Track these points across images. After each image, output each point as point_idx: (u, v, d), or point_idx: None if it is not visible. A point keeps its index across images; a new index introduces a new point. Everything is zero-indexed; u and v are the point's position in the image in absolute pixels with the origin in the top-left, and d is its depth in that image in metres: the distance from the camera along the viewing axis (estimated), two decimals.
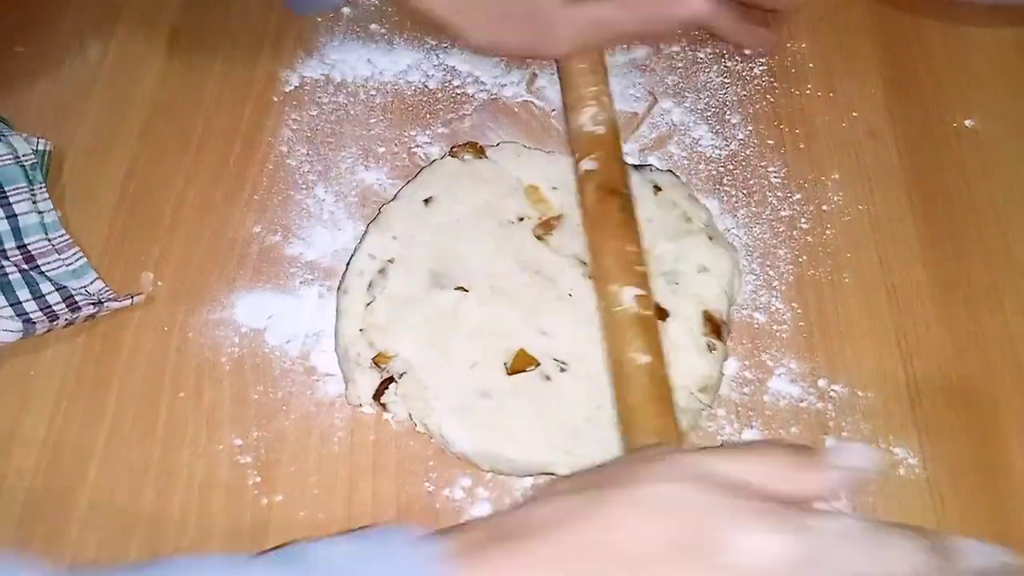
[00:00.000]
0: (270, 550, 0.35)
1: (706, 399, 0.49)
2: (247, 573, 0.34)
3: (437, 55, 0.63)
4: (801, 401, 0.50)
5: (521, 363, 0.49)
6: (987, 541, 0.44)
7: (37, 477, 0.47)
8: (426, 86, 0.62)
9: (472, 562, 0.34)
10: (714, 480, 0.35)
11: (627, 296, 0.48)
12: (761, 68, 0.63)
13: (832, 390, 0.50)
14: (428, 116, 0.61)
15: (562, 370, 0.49)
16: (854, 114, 0.61)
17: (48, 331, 0.50)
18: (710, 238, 0.53)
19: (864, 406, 0.49)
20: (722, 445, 0.46)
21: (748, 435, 0.48)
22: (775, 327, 0.52)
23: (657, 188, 0.55)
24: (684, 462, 0.37)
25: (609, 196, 0.52)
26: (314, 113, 0.61)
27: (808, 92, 0.62)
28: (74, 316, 0.50)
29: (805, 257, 0.55)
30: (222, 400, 0.49)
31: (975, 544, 0.36)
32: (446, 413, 0.48)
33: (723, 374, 0.50)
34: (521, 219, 0.55)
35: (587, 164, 0.54)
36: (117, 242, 0.55)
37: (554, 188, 0.56)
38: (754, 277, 0.54)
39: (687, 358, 0.49)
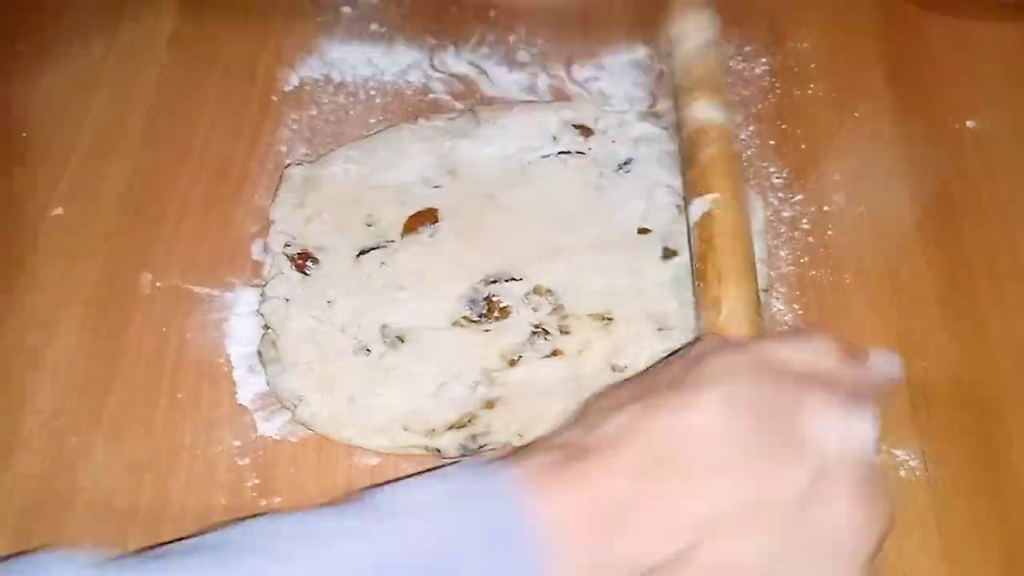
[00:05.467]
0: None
1: None
2: (318, 527, 0.34)
3: (438, 55, 0.63)
4: None
5: None
6: (990, 546, 0.45)
7: (35, 478, 0.47)
8: (426, 86, 0.62)
9: (550, 482, 0.34)
10: (782, 371, 0.35)
11: None
12: (763, 68, 0.63)
13: None
14: (429, 116, 0.60)
15: None
16: (856, 115, 0.61)
17: None
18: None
19: None
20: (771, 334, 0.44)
21: None
22: (777, 329, 0.52)
23: None
24: (746, 354, 0.36)
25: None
26: (314, 113, 0.60)
27: (810, 92, 0.62)
28: None
29: (807, 258, 0.54)
30: (221, 402, 0.49)
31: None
32: None
33: None
34: None
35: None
36: (118, 242, 0.55)
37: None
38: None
39: None
